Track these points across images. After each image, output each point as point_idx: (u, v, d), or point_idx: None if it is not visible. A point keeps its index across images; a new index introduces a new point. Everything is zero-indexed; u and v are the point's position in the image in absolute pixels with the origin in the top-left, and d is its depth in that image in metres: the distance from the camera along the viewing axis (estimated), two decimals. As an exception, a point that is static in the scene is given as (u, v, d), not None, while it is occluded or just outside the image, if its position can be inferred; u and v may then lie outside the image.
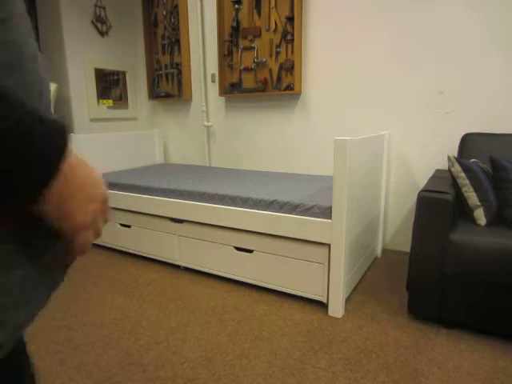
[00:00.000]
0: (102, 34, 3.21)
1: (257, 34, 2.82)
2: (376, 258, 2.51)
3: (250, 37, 2.86)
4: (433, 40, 2.28)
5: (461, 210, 1.78)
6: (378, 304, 1.90)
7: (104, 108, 3.24)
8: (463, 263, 1.53)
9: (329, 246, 1.76)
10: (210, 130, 3.30)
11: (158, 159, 3.49)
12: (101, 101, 3.24)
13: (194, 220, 2.17)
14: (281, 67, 2.78)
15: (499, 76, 2.15)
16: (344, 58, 2.58)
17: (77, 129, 3.05)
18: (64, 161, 0.33)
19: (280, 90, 2.81)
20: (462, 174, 1.71)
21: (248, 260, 2.05)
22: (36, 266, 0.38)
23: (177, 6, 3.20)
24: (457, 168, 1.73)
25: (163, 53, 3.39)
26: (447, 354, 1.50)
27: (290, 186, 2.23)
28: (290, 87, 2.76)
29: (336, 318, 1.77)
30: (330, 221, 1.72)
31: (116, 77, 3.37)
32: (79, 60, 3.06)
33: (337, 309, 1.78)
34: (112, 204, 2.51)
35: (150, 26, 3.40)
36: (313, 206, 1.79)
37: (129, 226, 2.52)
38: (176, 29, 3.26)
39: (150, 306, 1.91)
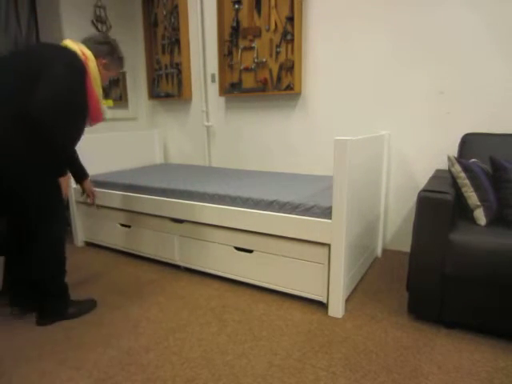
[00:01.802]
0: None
1: (257, 34, 2.82)
2: (376, 258, 2.51)
3: (249, 37, 2.87)
4: (433, 40, 2.28)
5: (461, 210, 1.78)
6: (377, 304, 1.90)
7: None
8: (463, 263, 1.53)
9: (329, 246, 1.76)
10: (209, 129, 3.30)
11: (158, 159, 3.49)
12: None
13: (194, 220, 2.17)
14: (281, 67, 2.78)
15: (499, 76, 2.15)
16: (344, 57, 2.58)
17: (77, 129, 3.04)
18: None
19: (280, 90, 2.81)
20: (462, 174, 1.71)
21: (248, 260, 2.05)
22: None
23: (177, 6, 3.20)
24: (457, 168, 1.73)
25: (163, 53, 3.39)
26: (447, 354, 1.50)
27: (290, 186, 2.23)
28: (289, 87, 2.76)
29: (336, 318, 1.77)
30: (330, 221, 1.72)
31: (116, 77, 3.36)
32: (79, 60, 3.05)
33: (337, 309, 1.78)
34: (112, 204, 2.51)
35: (150, 26, 3.40)
36: (313, 206, 1.79)
37: (129, 226, 2.52)
38: (176, 29, 3.26)
39: (150, 306, 1.91)
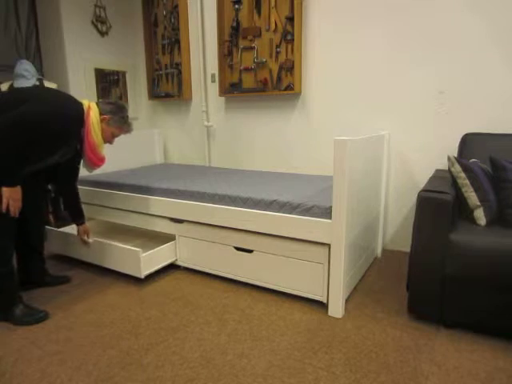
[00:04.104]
0: (102, 34, 3.21)
1: (257, 34, 2.82)
2: (376, 258, 2.51)
3: (249, 37, 2.87)
4: (433, 40, 2.28)
5: (461, 210, 1.78)
6: (377, 304, 1.90)
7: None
8: (463, 263, 1.53)
9: (329, 246, 1.76)
10: (210, 129, 3.30)
11: (158, 159, 3.49)
12: (101, 101, 3.24)
13: (194, 220, 2.17)
14: (281, 67, 2.78)
15: (499, 76, 2.15)
16: (344, 57, 2.58)
17: (77, 129, 3.04)
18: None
19: (280, 90, 2.81)
20: (462, 174, 1.71)
21: (248, 260, 2.05)
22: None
23: (177, 6, 3.20)
24: (457, 168, 1.73)
25: (163, 53, 3.39)
26: (447, 353, 1.50)
27: (290, 186, 2.23)
28: (290, 87, 2.76)
29: (336, 318, 1.77)
30: (329, 221, 1.72)
31: (116, 77, 3.37)
32: (79, 60, 3.06)
33: (337, 309, 1.78)
34: (112, 204, 2.51)
35: (150, 26, 3.40)
36: (313, 206, 1.79)
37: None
38: (176, 29, 3.26)
39: (150, 306, 1.91)
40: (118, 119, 1.93)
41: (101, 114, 1.87)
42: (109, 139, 1.96)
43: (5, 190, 1.62)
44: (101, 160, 1.94)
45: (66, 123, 1.73)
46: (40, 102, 1.66)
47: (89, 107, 1.83)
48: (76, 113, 1.77)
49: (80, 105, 1.80)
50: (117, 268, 2.23)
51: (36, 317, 1.78)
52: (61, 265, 2.46)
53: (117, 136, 1.99)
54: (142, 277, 2.12)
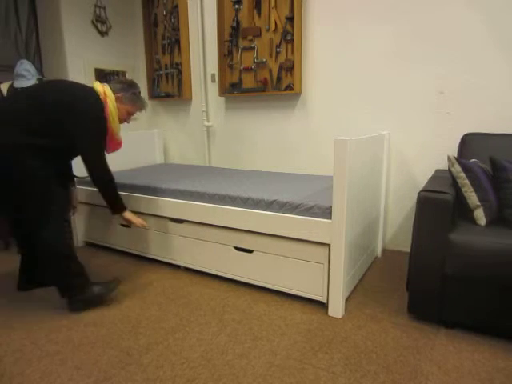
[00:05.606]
0: (102, 34, 3.21)
1: (257, 34, 2.82)
2: (376, 258, 2.51)
3: (249, 37, 2.87)
4: (433, 40, 2.28)
5: (461, 210, 1.78)
6: (377, 304, 1.90)
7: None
8: (463, 263, 1.53)
9: (329, 246, 1.76)
10: (210, 130, 3.30)
11: (158, 159, 3.49)
12: (101, 101, 3.24)
13: (194, 220, 2.17)
14: (281, 67, 2.78)
15: (499, 76, 2.15)
16: (344, 57, 2.58)
17: (77, 129, 3.04)
18: None
19: (280, 90, 2.81)
20: (462, 174, 1.71)
21: (248, 260, 2.05)
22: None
23: (177, 6, 3.20)
24: (457, 168, 1.73)
25: (163, 53, 3.39)
26: (447, 353, 1.50)
27: (290, 186, 2.23)
28: (289, 87, 2.76)
29: (336, 318, 1.77)
30: (329, 221, 1.72)
31: (116, 77, 3.36)
32: (79, 60, 3.06)
33: (337, 309, 1.78)
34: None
35: (150, 26, 3.40)
36: (313, 206, 1.79)
37: (129, 226, 2.52)
38: (176, 29, 3.26)
39: (150, 306, 1.91)
40: (130, 96, 1.97)
41: (114, 92, 1.91)
42: (124, 117, 2.00)
43: (125, 214, 1.99)
44: (119, 144, 2.01)
45: (104, 123, 1.87)
46: (89, 123, 1.79)
47: (104, 94, 1.85)
48: (102, 111, 1.85)
49: (99, 99, 1.84)
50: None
51: (110, 286, 1.92)
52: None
53: (132, 114, 2.03)
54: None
